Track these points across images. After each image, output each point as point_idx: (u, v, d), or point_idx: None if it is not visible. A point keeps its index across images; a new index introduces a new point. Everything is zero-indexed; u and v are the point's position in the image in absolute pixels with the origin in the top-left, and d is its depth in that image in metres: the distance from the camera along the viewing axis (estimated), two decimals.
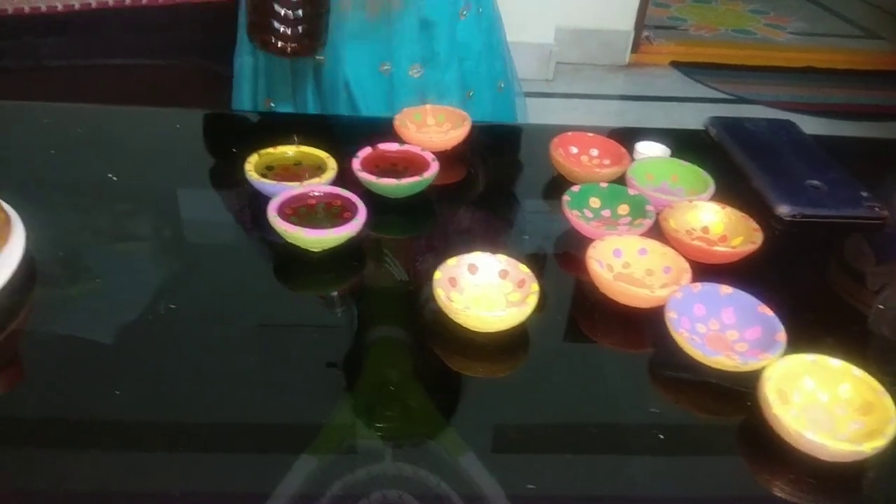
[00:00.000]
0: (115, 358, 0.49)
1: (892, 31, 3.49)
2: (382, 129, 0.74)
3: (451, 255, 0.54)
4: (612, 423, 0.47)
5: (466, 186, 0.71)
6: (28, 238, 0.54)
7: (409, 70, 0.87)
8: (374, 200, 0.64)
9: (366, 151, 0.67)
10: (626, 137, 0.77)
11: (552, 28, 2.74)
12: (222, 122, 0.83)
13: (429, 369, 0.50)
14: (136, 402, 0.45)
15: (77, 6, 1.46)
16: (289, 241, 0.56)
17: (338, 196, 0.60)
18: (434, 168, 0.65)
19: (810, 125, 2.62)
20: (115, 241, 0.61)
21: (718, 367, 0.47)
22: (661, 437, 0.45)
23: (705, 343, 0.50)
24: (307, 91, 0.92)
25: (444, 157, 0.72)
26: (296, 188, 0.60)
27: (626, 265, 0.57)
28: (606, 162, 0.71)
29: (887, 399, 0.43)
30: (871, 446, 0.41)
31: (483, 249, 0.55)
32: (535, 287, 0.51)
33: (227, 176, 0.65)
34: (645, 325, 0.53)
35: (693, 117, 0.77)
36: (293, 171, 0.65)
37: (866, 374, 0.45)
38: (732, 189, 0.70)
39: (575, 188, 0.64)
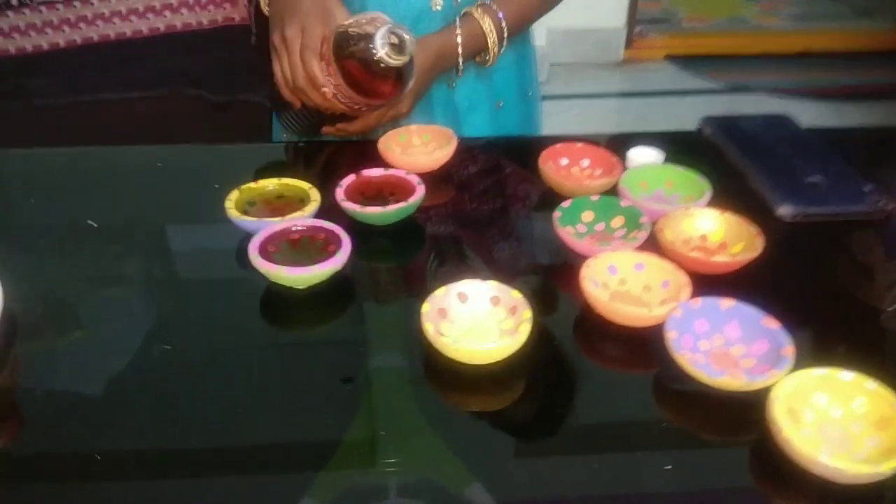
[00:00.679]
0: (108, 402, 0.47)
1: (888, 10, 3.45)
2: (368, 154, 0.72)
3: (441, 282, 0.52)
4: (617, 454, 0.44)
5: (455, 208, 0.69)
6: (7, 291, 0.53)
7: (447, 86, 0.85)
8: (361, 228, 0.62)
9: (349, 179, 0.65)
10: (618, 144, 0.75)
11: (543, 29, 2.72)
12: (203, 157, 0.81)
13: (427, 403, 0.48)
14: (132, 447, 0.44)
15: (62, 44, 1.46)
16: (272, 280, 0.54)
17: (321, 229, 0.58)
18: (420, 192, 0.63)
19: (811, 110, 2.59)
20: (99, 286, 0.60)
21: (723, 387, 0.45)
22: (668, 467, 0.42)
23: (710, 361, 0.47)
24: None
25: (431, 178, 0.70)
26: (277, 224, 0.58)
27: (622, 282, 0.55)
28: (598, 172, 0.69)
29: None
30: (890, 466, 0.38)
31: (475, 274, 0.53)
32: (527, 314, 0.49)
33: (210, 213, 0.63)
34: (646, 345, 0.51)
35: (692, 110, 0.76)
36: (275, 205, 0.63)
37: (881, 386, 0.43)
38: (730, 191, 0.67)
39: (566, 203, 0.62)
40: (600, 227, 0.62)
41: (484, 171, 0.76)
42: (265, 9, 0.76)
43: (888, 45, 3.11)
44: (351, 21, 0.68)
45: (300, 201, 0.63)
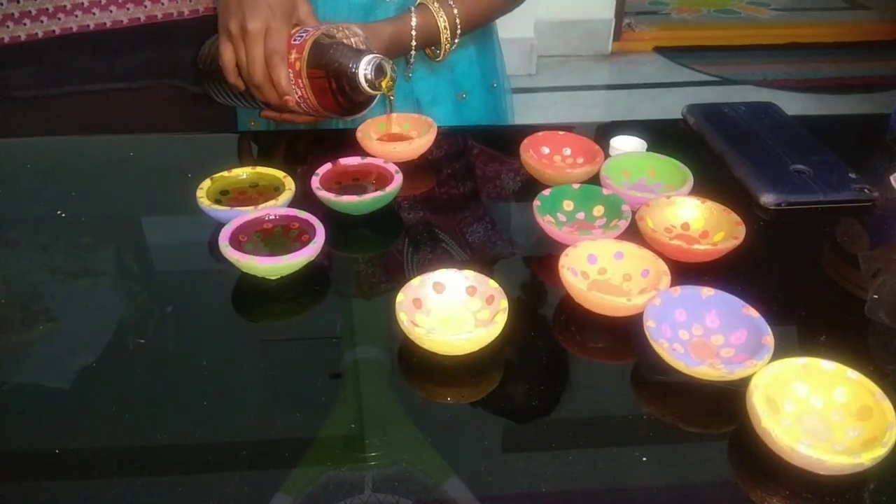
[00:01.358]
0: (78, 396, 0.46)
1: (877, 1, 3.45)
2: (345, 142, 0.71)
3: (418, 272, 0.51)
4: (595, 444, 0.43)
5: (435, 197, 0.68)
6: None
7: (403, 76, 0.84)
8: (337, 218, 0.61)
9: (326, 168, 0.64)
10: (601, 133, 0.74)
11: (531, 22, 2.71)
12: (177, 147, 0.79)
13: (402, 395, 0.47)
14: (105, 440, 0.43)
15: (40, 34, 1.43)
16: (243, 270, 0.53)
17: (295, 218, 0.57)
18: (397, 181, 0.62)
19: (799, 101, 2.60)
20: (70, 277, 0.58)
21: (702, 377, 0.44)
22: (645, 459, 0.41)
23: (689, 351, 0.47)
24: None
25: (410, 167, 0.69)
26: (250, 213, 0.56)
27: (601, 271, 0.54)
28: (580, 161, 0.68)
29: (885, 403, 0.40)
30: (869, 457, 0.37)
31: (452, 263, 0.52)
32: (503, 304, 0.48)
33: (184, 203, 0.62)
34: (625, 334, 0.50)
35: (681, 102, 0.75)
36: (249, 194, 0.61)
37: (862, 377, 0.42)
38: (714, 180, 0.67)
39: (546, 192, 0.60)
40: (581, 215, 0.60)
41: (463, 160, 0.75)
42: None
43: (876, 37, 3.12)
44: (323, 30, 0.67)
45: (274, 190, 0.61)
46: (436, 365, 0.47)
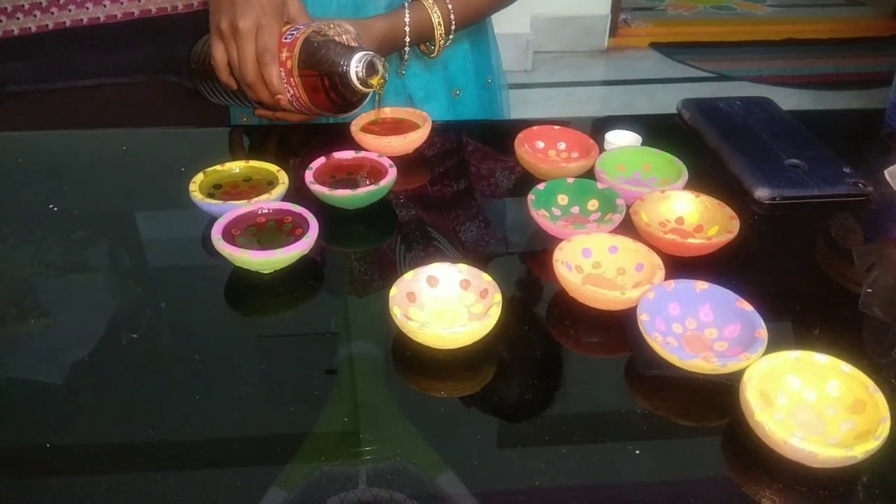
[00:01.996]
0: (71, 391, 0.46)
1: None
2: (339, 136, 0.70)
3: (411, 266, 0.51)
4: (588, 438, 0.43)
5: (429, 191, 0.68)
6: None
7: (395, 73, 0.83)
8: (331, 213, 0.60)
9: (319, 161, 0.64)
10: (596, 128, 0.74)
11: (527, 17, 2.71)
12: (170, 141, 0.79)
13: (396, 389, 0.47)
14: (97, 436, 0.43)
15: (34, 28, 1.42)
16: (236, 264, 0.53)
17: (288, 212, 0.56)
18: (392, 175, 0.62)
19: (795, 97, 2.60)
20: (63, 272, 0.58)
21: (696, 370, 0.44)
22: (638, 452, 0.41)
23: (682, 345, 0.46)
24: None
25: (405, 161, 0.69)
26: (242, 207, 0.56)
27: (596, 265, 0.53)
28: (575, 155, 0.68)
29: (878, 396, 0.40)
30: (862, 450, 0.37)
31: (446, 257, 0.52)
32: (497, 297, 0.48)
33: (177, 198, 0.61)
34: (620, 328, 0.50)
35: (676, 98, 0.75)
36: (242, 188, 0.61)
37: (855, 370, 0.42)
38: (709, 174, 0.66)
39: (541, 186, 0.60)
40: (575, 209, 0.60)
41: (458, 155, 0.75)
42: None
43: (872, 33, 3.12)
44: (314, 27, 0.66)
45: (268, 184, 0.61)
46: (429, 359, 0.47)
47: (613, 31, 2.98)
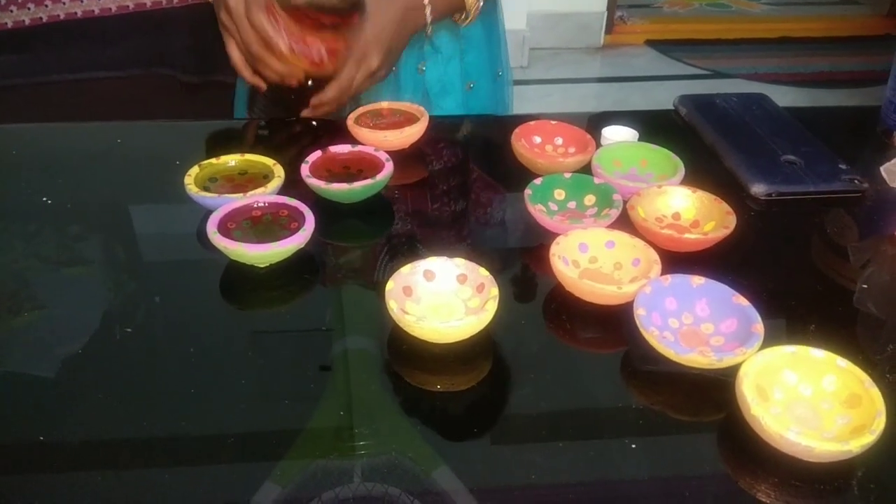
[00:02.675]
0: (64, 386, 0.46)
1: None
2: (335, 130, 0.70)
3: (408, 261, 0.51)
4: (584, 432, 0.43)
5: (426, 186, 0.68)
6: None
7: (415, 69, 0.83)
8: (327, 207, 0.60)
9: (315, 155, 0.63)
10: (593, 123, 0.74)
11: (524, 13, 2.71)
12: (165, 134, 0.79)
13: (392, 384, 0.46)
14: (91, 430, 0.43)
15: (27, 21, 1.41)
16: (232, 257, 0.53)
17: (284, 206, 0.56)
18: (388, 169, 0.62)
19: (790, 95, 2.60)
20: (57, 265, 0.58)
21: (692, 365, 0.44)
22: (634, 446, 0.41)
23: (679, 339, 0.46)
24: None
25: (401, 155, 0.69)
26: (238, 200, 0.56)
27: (592, 260, 0.53)
28: (571, 150, 0.68)
29: (874, 390, 0.40)
30: (858, 444, 0.37)
31: (443, 252, 0.52)
32: (494, 292, 0.48)
33: (172, 191, 0.61)
34: (616, 323, 0.50)
35: (672, 96, 0.75)
36: (238, 181, 0.61)
37: (851, 365, 0.42)
38: (705, 170, 0.66)
39: (537, 181, 0.60)
40: (572, 204, 0.60)
41: (455, 149, 0.75)
42: None
43: (867, 32, 3.13)
44: None
45: (264, 178, 0.61)
46: (426, 353, 0.47)
47: (609, 28, 2.98)
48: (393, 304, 0.47)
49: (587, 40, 2.92)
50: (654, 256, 0.51)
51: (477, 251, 0.58)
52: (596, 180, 0.61)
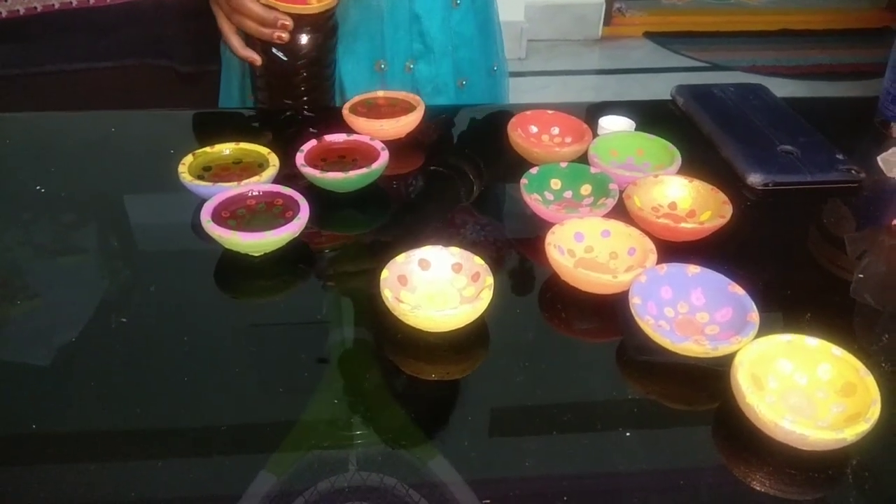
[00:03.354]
0: (58, 375, 0.45)
1: None
2: (331, 120, 0.70)
3: (403, 250, 0.51)
4: (579, 421, 0.43)
5: (422, 175, 0.67)
6: None
7: (404, 66, 0.83)
8: (322, 196, 0.60)
9: (310, 144, 0.63)
10: (590, 113, 0.74)
11: (522, 5, 2.69)
12: (160, 123, 0.78)
13: (387, 373, 0.46)
14: (85, 419, 0.43)
15: (22, 11, 1.41)
16: (226, 246, 0.52)
17: (279, 195, 0.56)
18: (384, 158, 0.61)
19: (789, 88, 2.59)
20: (51, 254, 0.57)
21: (687, 353, 0.44)
22: (628, 434, 0.41)
23: (674, 328, 0.46)
24: None
25: (397, 145, 0.68)
26: (232, 189, 0.56)
27: (588, 249, 0.53)
28: (568, 140, 0.68)
29: (869, 378, 0.40)
30: (853, 432, 0.37)
31: (438, 241, 0.51)
32: (489, 280, 0.47)
33: (167, 180, 0.61)
34: (611, 312, 0.49)
35: (670, 88, 0.74)
36: (232, 170, 0.61)
37: (846, 353, 0.42)
38: (702, 160, 0.66)
39: (534, 170, 0.60)
40: (568, 194, 0.60)
41: (450, 139, 0.74)
42: None
43: (867, 24, 3.12)
44: None
45: (258, 166, 0.60)
46: (420, 342, 0.47)
47: (608, 20, 2.97)
48: (388, 293, 0.46)
49: (585, 32, 2.91)
50: (650, 246, 0.51)
51: (472, 240, 0.58)
52: (592, 170, 0.61)
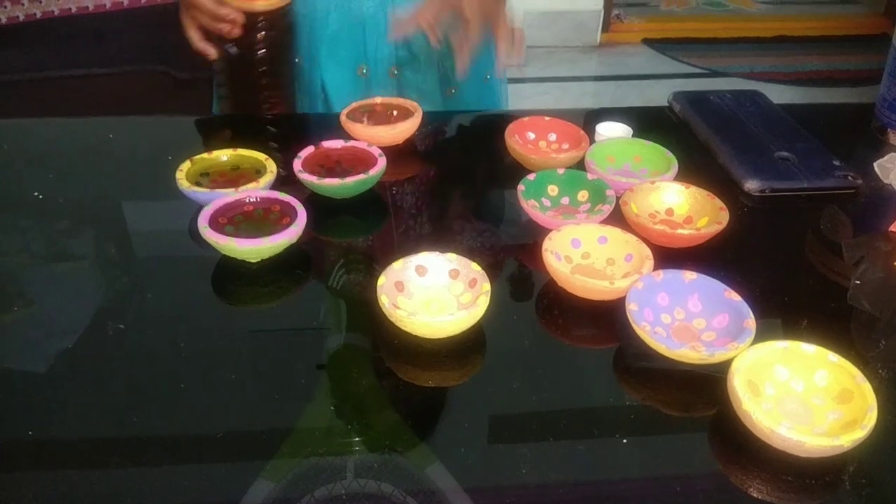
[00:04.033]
0: (55, 382, 0.45)
1: None
2: (329, 126, 0.70)
3: (400, 256, 0.51)
4: (576, 428, 0.43)
5: (418, 181, 0.67)
6: None
7: (387, 72, 0.83)
8: (320, 202, 0.60)
9: (308, 151, 0.63)
10: (587, 120, 0.74)
11: (520, 11, 2.70)
12: (157, 129, 0.78)
13: (384, 380, 0.46)
14: (82, 426, 0.43)
15: (21, 17, 1.41)
16: (223, 252, 0.52)
17: (276, 201, 0.56)
18: (381, 164, 0.61)
19: (787, 94, 2.59)
20: (48, 261, 0.57)
21: (684, 360, 0.44)
22: (625, 441, 0.41)
23: (671, 335, 0.46)
24: None
25: (395, 151, 0.68)
26: (230, 195, 0.56)
27: (585, 255, 0.53)
28: (565, 146, 0.68)
29: (866, 385, 0.40)
30: (849, 439, 0.37)
31: (436, 247, 0.51)
32: (486, 287, 0.47)
33: (164, 186, 0.61)
34: (608, 318, 0.49)
35: (669, 94, 0.75)
36: (230, 176, 0.61)
37: (843, 360, 0.42)
38: (699, 166, 0.66)
39: (531, 176, 0.60)
40: (565, 200, 0.60)
41: (448, 145, 0.74)
42: None
43: (864, 31, 3.13)
44: None
45: (256, 173, 0.60)
46: (417, 348, 0.47)
47: (606, 27, 2.98)
48: (384, 300, 0.46)
49: (584, 38, 2.92)
50: (647, 252, 0.51)
51: (469, 246, 0.58)
52: (589, 176, 0.61)
